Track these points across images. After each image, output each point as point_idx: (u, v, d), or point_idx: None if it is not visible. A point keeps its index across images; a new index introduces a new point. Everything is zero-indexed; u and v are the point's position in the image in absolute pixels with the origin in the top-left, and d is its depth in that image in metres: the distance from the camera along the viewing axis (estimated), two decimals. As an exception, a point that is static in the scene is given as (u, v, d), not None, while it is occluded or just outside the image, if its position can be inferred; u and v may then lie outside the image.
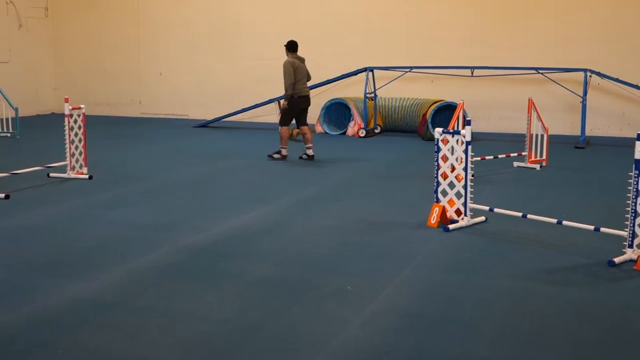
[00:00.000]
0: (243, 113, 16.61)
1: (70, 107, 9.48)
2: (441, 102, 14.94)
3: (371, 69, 15.36)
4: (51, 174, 9.56)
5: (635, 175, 5.70)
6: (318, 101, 15.83)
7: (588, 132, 14.31)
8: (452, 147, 7.17)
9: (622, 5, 15.09)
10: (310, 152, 11.50)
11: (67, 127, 9.44)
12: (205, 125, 17.06)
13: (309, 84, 11.69)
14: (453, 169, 7.17)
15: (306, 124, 11.63)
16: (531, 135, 10.80)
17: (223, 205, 7.97)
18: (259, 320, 4.49)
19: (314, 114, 15.79)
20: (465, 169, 6.95)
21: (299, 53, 11.34)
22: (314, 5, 17.55)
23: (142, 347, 4.08)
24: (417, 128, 15.17)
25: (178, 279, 5.32)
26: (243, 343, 4.12)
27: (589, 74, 13.89)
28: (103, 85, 20.11)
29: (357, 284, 5.18)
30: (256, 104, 16.02)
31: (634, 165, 5.68)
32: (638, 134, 5.70)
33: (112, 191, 8.76)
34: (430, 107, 14.94)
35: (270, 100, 15.53)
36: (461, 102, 9.96)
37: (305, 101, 11.47)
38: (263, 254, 5.99)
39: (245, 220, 7.20)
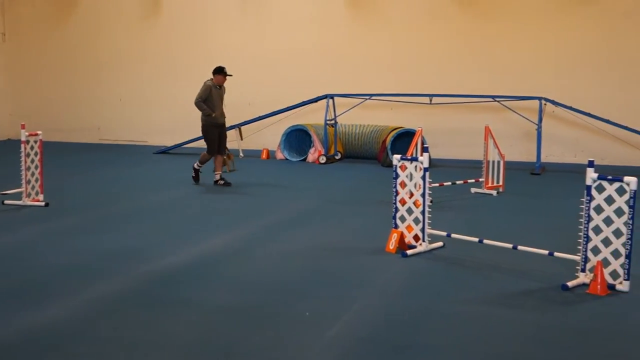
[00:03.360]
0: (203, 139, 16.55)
1: (27, 134, 9.35)
2: (400, 129, 15.12)
3: (331, 96, 15.49)
4: (6, 201, 9.40)
5: (587, 201, 5.85)
6: (279, 128, 15.91)
7: (544, 159, 14.60)
8: (411, 174, 7.26)
9: (574, 36, 15.53)
10: (216, 176, 11.54)
11: (23, 154, 9.30)
12: (165, 152, 16.97)
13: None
14: (411, 195, 7.26)
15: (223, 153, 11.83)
16: (488, 162, 10.99)
17: (182, 232, 7.92)
18: (218, 348, 4.47)
19: (275, 140, 15.87)
20: (423, 195, 7.04)
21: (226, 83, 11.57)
22: (276, 34, 17.67)
23: (98, 377, 4.02)
24: (377, 154, 15.32)
25: (137, 307, 5.26)
26: (201, 371, 4.09)
27: (543, 102, 14.22)
28: (61, 111, 19.88)
29: (316, 310, 5.19)
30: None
31: (585, 191, 5.84)
32: (589, 161, 5.88)
33: (68, 219, 8.64)
34: (389, 133, 15.11)
35: (231, 126, 15.53)
36: (419, 128, 10.10)
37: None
38: (223, 281, 5.97)
39: (205, 247, 7.17)
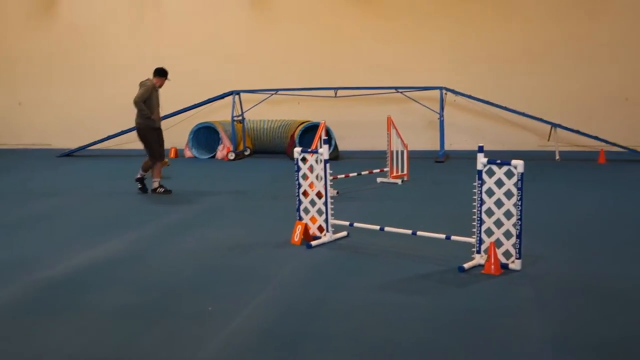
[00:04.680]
0: (109, 141, 16.18)
1: None
2: (308, 122, 15.21)
3: (237, 92, 15.42)
4: None
5: (479, 185, 6.05)
6: (186, 125, 15.73)
7: (447, 147, 15.02)
8: (312, 166, 7.30)
9: (471, 27, 16.03)
10: (155, 184, 10.59)
11: None
12: (69, 154, 16.47)
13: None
14: (314, 186, 7.30)
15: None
16: (392, 152, 11.20)
17: (80, 236, 7.69)
18: (112, 349, 4.37)
19: (182, 138, 15.67)
20: (325, 186, 7.10)
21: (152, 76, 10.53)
22: (178, 31, 17.46)
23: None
24: (286, 148, 15.36)
25: (28, 315, 5.08)
26: (94, 375, 4.00)
27: (444, 91, 14.61)
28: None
29: (216, 306, 5.16)
30: (121, 131, 15.66)
31: (476, 176, 6.04)
32: (479, 147, 6.08)
33: (-39, 227, 8.27)
34: (297, 127, 15.18)
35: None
36: (323, 122, 10.18)
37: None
38: (121, 283, 5.83)
39: (104, 250, 6.99)
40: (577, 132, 14.33)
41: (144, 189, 10.56)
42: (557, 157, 14.05)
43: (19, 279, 5.99)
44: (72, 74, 18.19)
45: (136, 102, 10.15)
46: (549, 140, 14.65)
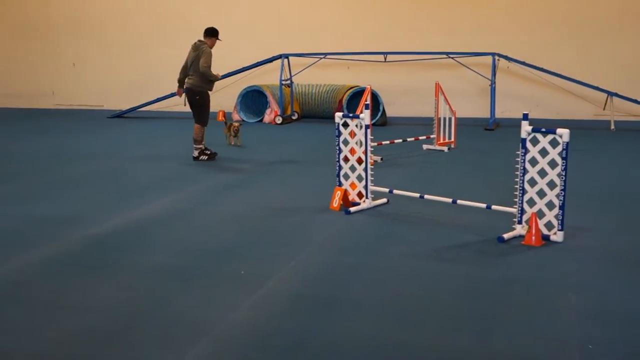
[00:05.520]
0: (159, 102, 16.35)
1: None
2: (356, 87, 15.07)
3: (286, 56, 15.34)
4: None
5: (522, 154, 5.90)
6: (234, 89, 15.76)
7: (498, 115, 14.69)
8: (353, 131, 7.22)
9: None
10: (194, 152, 10.28)
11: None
12: (119, 115, 16.74)
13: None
14: (354, 152, 7.24)
15: (195, 122, 10.26)
16: (439, 119, 11.02)
17: (128, 196, 7.82)
18: (146, 308, 4.45)
19: (230, 101, 15.72)
20: (366, 152, 7.02)
21: (203, 38, 10.18)
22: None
23: (24, 342, 3.98)
24: (334, 113, 15.24)
25: (70, 271, 5.21)
26: (124, 332, 4.07)
27: (497, 57, 14.25)
28: (13, 76, 19.46)
29: (252, 269, 5.19)
30: (171, 93, 15.73)
31: (520, 144, 5.88)
32: (524, 114, 5.91)
33: (15, 184, 8.50)
34: (345, 92, 15.06)
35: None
36: (368, 86, 10.05)
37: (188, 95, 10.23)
38: (161, 243, 5.92)
39: (148, 210, 7.10)
40: (635, 101, 13.83)
41: (212, 156, 10.23)
42: (612, 127, 13.60)
43: (64, 235, 6.15)
44: (124, 36, 18.35)
45: (205, 71, 9.79)
46: (604, 109, 14.18)
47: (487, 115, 14.58)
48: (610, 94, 13.91)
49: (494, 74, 14.24)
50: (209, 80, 10.04)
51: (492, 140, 12.27)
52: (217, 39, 10.18)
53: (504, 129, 13.85)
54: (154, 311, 4.39)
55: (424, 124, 13.77)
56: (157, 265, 5.31)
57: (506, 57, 14.36)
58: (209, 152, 10.28)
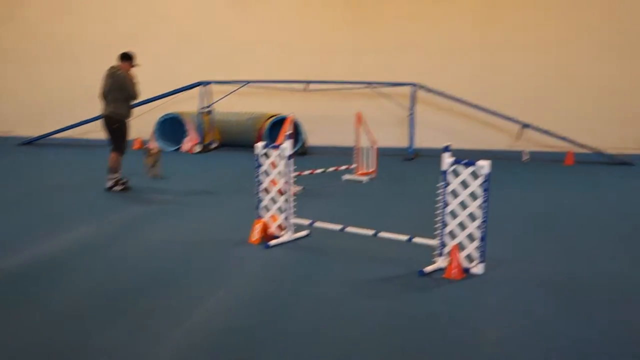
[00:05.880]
0: (72, 129, 15.80)
1: None
2: (277, 116, 14.98)
3: (206, 83, 15.12)
4: None
5: (443, 186, 5.88)
6: (152, 116, 15.39)
7: (418, 144, 14.88)
8: (274, 162, 7.08)
9: (446, 23, 15.89)
10: (108, 182, 9.83)
11: None
12: (30, 142, 16.04)
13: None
14: (275, 183, 7.09)
15: (112, 150, 9.87)
16: (360, 149, 11.02)
17: (40, 228, 7.37)
18: (61, 348, 4.13)
19: (148, 129, 15.32)
20: (287, 184, 6.88)
21: (117, 62, 9.89)
22: (148, 18, 17.07)
23: None
24: (254, 142, 15.08)
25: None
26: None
27: (416, 87, 14.46)
28: None
29: (171, 306, 4.93)
30: (84, 120, 15.28)
31: (441, 177, 5.87)
32: (445, 147, 5.91)
33: None
34: (266, 121, 14.94)
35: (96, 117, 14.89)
36: (290, 115, 9.95)
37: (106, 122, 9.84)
38: (76, 278, 5.58)
39: (61, 243, 6.71)
40: (546, 132, 14.28)
41: (127, 188, 9.83)
42: (525, 157, 13.98)
43: (-39, 274, 5.71)
44: (35, 60, 17.72)
45: (136, 95, 9.72)
46: (517, 140, 14.59)
47: (406, 144, 14.74)
48: (523, 125, 14.32)
49: (413, 104, 14.44)
50: (130, 107, 9.79)
51: (411, 170, 12.38)
52: (132, 64, 9.87)
53: (423, 158, 14.02)
54: (70, 351, 4.09)
55: (345, 154, 13.78)
56: (73, 302, 4.99)
57: (425, 88, 14.60)
58: (124, 183, 9.90)
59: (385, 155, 13.59)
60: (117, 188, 9.78)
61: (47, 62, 17.65)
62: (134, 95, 9.73)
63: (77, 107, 16.34)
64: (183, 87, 15.31)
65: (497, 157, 13.72)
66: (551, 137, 14.37)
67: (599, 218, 8.30)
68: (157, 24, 17.02)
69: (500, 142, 15.65)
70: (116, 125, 9.74)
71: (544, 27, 15.65)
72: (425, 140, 15.65)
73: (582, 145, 14.16)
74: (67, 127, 15.75)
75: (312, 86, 15.09)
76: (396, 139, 15.64)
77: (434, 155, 14.72)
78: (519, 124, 14.40)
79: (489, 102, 14.86)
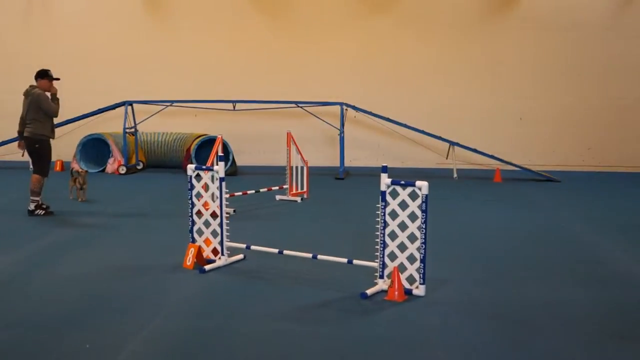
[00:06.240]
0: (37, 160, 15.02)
1: None
2: (205, 136, 14.70)
3: (130, 103, 14.69)
4: None
5: (382, 207, 5.79)
6: (74, 137, 14.86)
7: (348, 163, 14.86)
8: (206, 184, 6.85)
9: (373, 44, 16.02)
10: (30, 205, 9.40)
11: None
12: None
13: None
14: (208, 206, 6.86)
15: (34, 172, 9.48)
16: (291, 168, 10.89)
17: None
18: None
19: (69, 150, 14.75)
20: (221, 206, 6.66)
21: (34, 82, 9.41)
22: (67, 35, 16.51)
23: None
24: (181, 163, 14.75)
25: None
26: None
27: (345, 107, 14.46)
28: None
29: (99, 341, 4.61)
30: (3, 141, 14.59)
31: (380, 197, 5.77)
32: (383, 167, 5.82)
33: None
34: (194, 141, 14.64)
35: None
36: (219, 136, 9.73)
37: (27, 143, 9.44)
38: (-10, 314, 5.18)
39: (-28, 275, 6.26)
40: (474, 150, 14.52)
41: (48, 212, 9.40)
42: (455, 176, 14.16)
43: None
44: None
45: (56, 112, 9.30)
46: (447, 158, 14.78)
47: (336, 163, 14.72)
48: (452, 143, 14.52)
49: (342, 123, 14.43)
50: (52, 127, 9.36)
51: (343, 190, 12.32)
52: (50, 79, 9.36)
53: (354, 177, 14.00)
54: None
55: (275, 173, 13.62)
56: (-16, 342, 4.60)
57: (353, 107, 14.62)
58: (45, 207, 9.42)
59: (315, 174, 13.49)
60: (40, 212, 9.31)
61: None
62: (50, 113, 9.28)
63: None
64: (106, 107, 14.84)
65: (427, 176, 13.84)
66: (479, 155, 14.61)
67: (531, 235, 8.41)
68: (78, 43, 16.46)
69: (430, 160, 15.83)
70: (36, 145, 9.31)
71: (472, 52, 15.98)
72: (354, 159, 15.67)
73: (509, 163, 14.46)
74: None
75: (239, 105, 14.88)
76: (326, 158, 15.61)
77: (364, 173, 14.86)
78: (447, 143, 14.58)
79: (417, 122, 15.00)
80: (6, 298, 5.62)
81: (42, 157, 9.40)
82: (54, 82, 9.44)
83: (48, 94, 9.35)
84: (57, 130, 11.14)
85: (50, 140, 9.47)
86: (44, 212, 9.34)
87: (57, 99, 9.40)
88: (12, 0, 16.71)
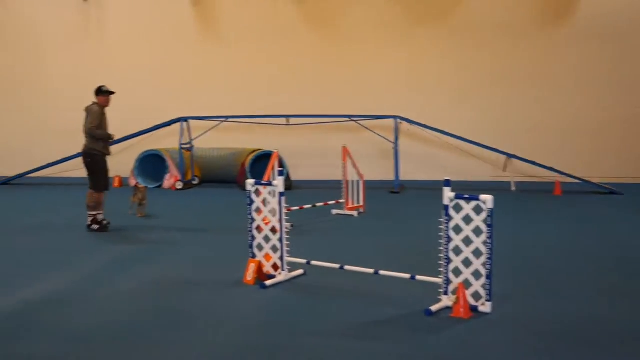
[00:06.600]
0: (51, 168, 15.42)
1: None
2: (259, 150, 14.77)
3: (186, 119, 14.88)
4: None
5: (445, 221, 5.68)
6: (132, 153, 15.11)
7: (402, 177, 14.73)
8: (266, 199, 6.84)
9: (426, 57, 15.89)
10: (88, 220, 9.61)
11: None
12: (5, 183, 15.60)
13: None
14: (268, 221, 6.84)
15: (89, 187, 9.64)
16: (347, 182, 10.83)
17: (14, 274, 7.02)
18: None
19: (127, 166, 15.00)
20: (281, 222, 6.64)
21: (94, 99, 9.51)
22: (123, 54, 16.86)
23: None
24: (236, 178, 14.85)
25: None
26: None
27: (399, 120, 14.36)
28: None
29: (163, 355, 4.62)
30: (63, 159, 14.92)
31: (443, 212, 5.66)
32: (445, 180, 5.70)
33: None
34: (248, 156, 14.73)
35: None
36: (275, 151, 9.74)
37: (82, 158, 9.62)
38: (53, 330, 5.22)
39: (36, 290, 6.35)
40: (533, 162, 14.23)
41: (103, 228, 9.48)
42: (513, 188, 13.89)
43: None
44: (9, 99, 17.35)
45: (91, 130, 9.24)
46: (504, 170, 14.51)
47: (390, 177, 14.60)
48: (509, 155, 14.26)
49: (396, 136, 14.32)
50: (101, 141, 9.40)
51: (399, 203, 12.19)
52: (106, 95, 9.46)
53: (409, 191, 13.87)
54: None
55: (329, 187, 13.58)
56: (56, 353, 4.64)
57: (407, 120, 14.50)
58: (102, 223, 9.55)
59: (370, 188, 13.39)
60: (94, 227, 9.45)
61: (21, 103, 17.27)
62: (86, 129, 9.29)
63: (54, 145, 15.99)
64: (162, 124, 15.06)
65: (483, 189, 13.57)
66: (537, 167, 14.30)
67: (592, 251, 8.15)
68: (134, 62, 16.78)
69: (484, 173, 15.58)
70: (88, 160, 9.45)
71: (528, 62, 15.71)
72: (408, 172, 15.51)
73: (569, 175, 14.11)
74: (44, 165, 15.37)
75: (293, 120, 14.93)
76: (380, 172, 15.49)
77: (419, 187, 14.70)
78: (504, 155, 14.32)
79: (472, 134, 14.79)
80: (69, 312, 5.68)
81: (94, 172, 9.48)
82: (110, 97, 9.50)
83: (96, 109, 9.36)
84: (116, 147, 11.37)
85: (106, 156, 9.56)
86: (98, 227, 9.47)
87: (96, 118, 9.30)
88: (70, 22, 17.14)
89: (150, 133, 15.19)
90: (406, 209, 11.54)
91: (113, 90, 9.54)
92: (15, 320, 5.49)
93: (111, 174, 10.15)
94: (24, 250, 8.37)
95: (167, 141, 15.79)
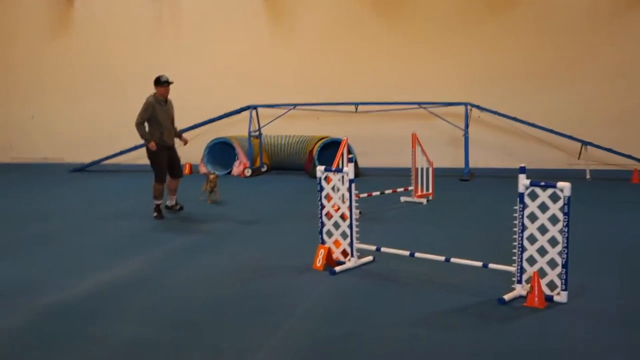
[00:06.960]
0: (124, 155, 15.81)
1: None
2: (327, 138, 14.76)
3: (255, 107, 14.99)
4: None
5: (520, 209, 5.54)
6: (201, 141, 15.30)
7: (472, 164, 14.44)
8: (335, 186, 6.83)
9: (497, 43, 15.52)
10: (168, 202, 10.01)
11: None
12: (82, 169, 16.09)
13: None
14: (338, 208, 6.83)
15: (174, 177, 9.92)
16: (416, 170, 10.70)
17: (92, 259, 7.23)
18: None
19: (197, 153, 15.24)
20: (350, 208, 6.62)
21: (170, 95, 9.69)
22: (195, 43, 17.08)
23: None
24: (304, 165, 14.88)
25: (32, 346, 4.63)
26: None
27: (469, 107, 14.10)
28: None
29: (235, 340, 4.67)
30: (134, 146, 15.24)
31: (518, 199, 5.52)
32: (521, 167, 5.56)
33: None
34: (316, 143, 14.73)
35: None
36: (345, 138, 9.71)
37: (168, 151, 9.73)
38: (131, 312, 5.37)
39: (114, 274, 6.54)
40: (610, 150, 13.75)
41: (159, 216, 9.58)
42: (588, 177, 13.46)
43: (20, 305, 5.56)
44: (86, 88, 17.85)
45: (137, 125, 9.36)
46: (579, 158, 14.07)
47: (460, 164, 14.35)
48: (585, 143, 13.82)
49: (467, 123, 14.07)
50: (158, 132, 9.43)
51: (469, 191, 11.99)
52: (165, 85, 9.43)
53: (479, 179, 13.62)
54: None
55: (397, 175, 13.44)
56: (128, 338, 4.77)
57: (478, 107, 14.22)
58: (160, 211, 9.66)
59: (439, 175, 13.20)
60: (155, 214, 9.62)
61: (97, 91, 17.76)
62: (135, 123, 9.40)
63: (127, 133, 16.36)
64: (232, 111, 15.22)
65: (557, 177, 13.21)
66: (614, 154, 13.81)
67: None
68: (205, 51, 17.00)
69: (559, 160, 15.14)
70: (147, 152, 9.62)
71: (605, 48, 15.16)
72: (479, 159, 15.21)
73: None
74: (117, 152, 15.77)
75: (361, 107, 14.84)
76: (449, 159, 15.24)
77: (489, 175, 14.41)
78: (579, 142, 13.89)
79: (546, 121, 14.37)
80: (143, 296, 5.82)
81: (152, 163, 9.60)
82: (169, 87, 9.49)
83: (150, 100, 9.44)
84: (186, 134, 11.50)
85: (167, 147, 9.58)
86: (156, 214, 9.59)
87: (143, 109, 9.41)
88: (143, 13, 17.47)
89: (220, 120, 15.36)
90: (476, 196, 11.34)
91: (171, 80, 9.53)
92: (94, 302, 5.66)
93: (182, 161, 10.33)
94: (99, 236, 8.62)
95: (235, 128, 15.95)
